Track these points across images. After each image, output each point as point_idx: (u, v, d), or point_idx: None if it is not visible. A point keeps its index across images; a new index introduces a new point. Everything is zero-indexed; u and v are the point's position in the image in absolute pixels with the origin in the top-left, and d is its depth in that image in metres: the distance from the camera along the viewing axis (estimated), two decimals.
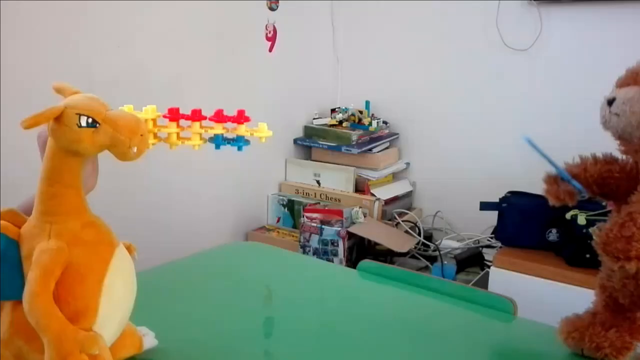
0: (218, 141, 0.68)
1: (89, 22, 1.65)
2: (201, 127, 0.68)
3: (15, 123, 1.50)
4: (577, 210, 1.62)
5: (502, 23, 2.16)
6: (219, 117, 0.68)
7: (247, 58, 2.18)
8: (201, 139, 0.68)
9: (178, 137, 0.68)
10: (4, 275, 0.59)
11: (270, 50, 2.24)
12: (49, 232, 0.59)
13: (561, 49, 2.10)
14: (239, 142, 0.68)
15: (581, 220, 1.61)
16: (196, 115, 0.68)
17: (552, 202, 0.76)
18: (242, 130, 0.67)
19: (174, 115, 0.67)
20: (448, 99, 2.39)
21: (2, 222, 0.60)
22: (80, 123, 0.56)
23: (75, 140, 0.57)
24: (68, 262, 0.58)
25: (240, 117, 0.68)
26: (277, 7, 2.22)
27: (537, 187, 2.12)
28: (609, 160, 0.75)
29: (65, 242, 0.59)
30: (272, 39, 2.23)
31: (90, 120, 0.57)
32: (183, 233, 2.03)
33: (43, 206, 0.60)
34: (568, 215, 1.67)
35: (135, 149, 0.59)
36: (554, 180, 0.76)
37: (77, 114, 0.57)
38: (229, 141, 0.68)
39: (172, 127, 0.67)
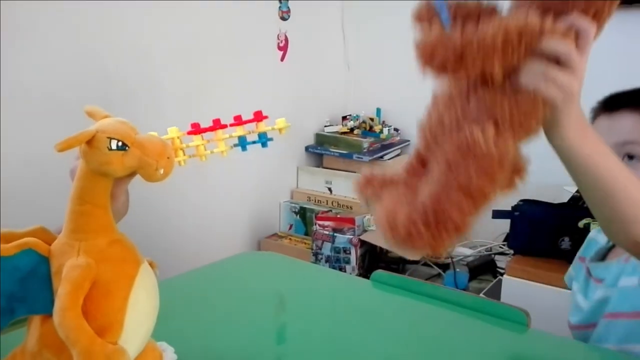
0: (243, 142, 0.71)
1: (107, 36, 1.68)
2: (224, 134, 0.71)
3: (36, 132, 1.53)
4: (589, 218, 1.63)
5: None
6: (239, 120, 0.71)
7: (259, 67, 2.21)
8: (226, 145, 0.71)
9: (205, 149, 0.71)
10: (34, 290, 0.61)
11: (282, 60, 2.27)
12: (78, 249, 0.61)
13: None
14: (262, 139, 0.71)
15: (594, 225, 1.61)
16: (217, 125, 0.71)
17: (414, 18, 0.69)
18: (263, 126, 0.71)
19: (197, 129, 0.70)
20: None
21: (33, 239, 0.63)
22: (110, 146, 0.59)
23: (106, 162, 0.59)
24: (96, 279, 0.60)
25: (259, 117, 0.72)
26: (289, 17, 2.24)
27: (549, 196, 2.13)
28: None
29: (93, 258, 0.61)
30: (283, 48, 2.26)
31: (120, 143, 0.59)
32: (197, 240, 2.06)
33: (73, 224, 0.62)
34: (581, 224, 1.67)
35: (162, 171, 0.62)
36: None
37: (107, 137, 0.59)
38: (253, 141, 0.72)
39: (198, 140, 0.70)
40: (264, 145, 0.72)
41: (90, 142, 0.59)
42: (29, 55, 1.51)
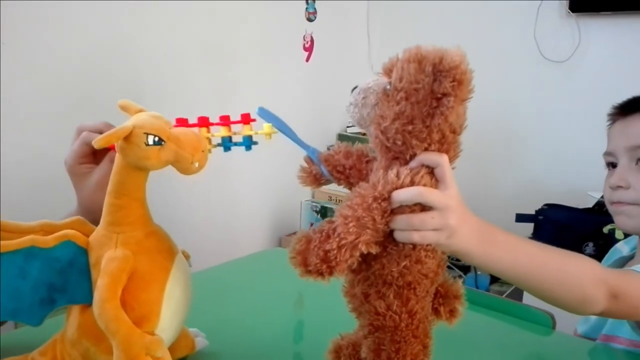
0: (225, 143, 0.70)
1: (140, 34, 1.71)
2: (208, 131, 0.70)
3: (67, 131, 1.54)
4: (614, 224, 1.61)
5: (539, 35, 2.16)
6: (225, 121, 0.70)
7: (285, 67, 2.22)
8: (210, 143, 0.70)
9: None
10: (73, 281, 0.63)
11: (307, 60, 2.29)
12: (116, 242, 0.63)
13: (599, 61, 2.09)
14: (246, 142, 0.70)
15: (619, 234, 1.59)
16: (203, 122, 0.70)
17: (299, 182, 0.70)
18: (247, 130, 0.70)
19: (182, 125, 0.69)
20: (483, 109, 2.38)
21: (72, 231, 0.64)
22: (147, 142, 0.59)
23: (143, 157, 0.60)
24: (133, 270, 0.62)
25: (245, 119, 0.70)
26: (315, 18, 2.26)
27: (573, 201, 2.11)
28: (349, 152, 0.67)
29: (130, 250, 0.62)
30: (309, 49, 2.27)
31: (156, 138, 0.60)
32: (221, 236, 2.08)
33: (110, 217, 0.63)
34: (605, 229, 1.66)
35: (197, 164, 0.62)
36: (310, 161, 0.69)
37: (144, 133, 0.59)
38: (235, 143, 0.71)
39: None
40: (247, 148, 0.70)
41: (128, 137, 0.60)
42: (63, 53, 1.55)
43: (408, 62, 0.57)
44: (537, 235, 1.85)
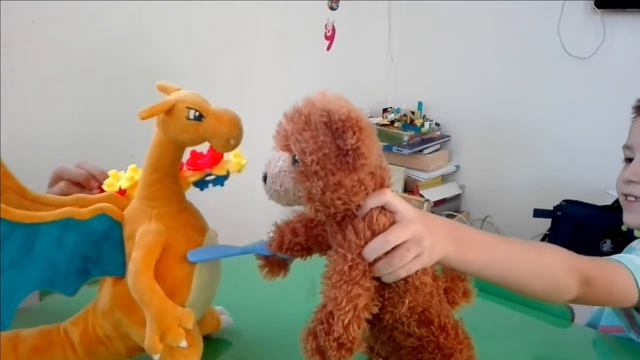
0: (200, 185, 0.72)
1: (163, 18, 1.72)
2: (181, 171, 0.71)
3: (95, 109, 1.55)
4: None
5: (563, 30, 2.14)
6: (194, 165, 0.71)
7: (305, 56, 2.22)
8: (187, 183, 0.72)
9: None
10: (107, 253, 0.64)
11: (328, 49, 2.29)
12: (151, 216, 0.63)
13: (624, 58, 2.07)
14: (218, 181, 0.72)
15: (638, 232, 1.58)
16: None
17: (265, 278, 0.68)
18: (218, 170, 0.71)
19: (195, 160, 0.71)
20: (503, 103, 2.38)
21: (107, 204, 0.65)
22: (189, 116, 0.60)
23: (183, 131, 0.61)
24: (166, 244, 0.62)
25: (213, 161, 0.71)
26: (338, 6, 2.25)
27: (591, 198, 2.09)
28: (294, 229, 0.66)
29: (164, 225, 0.63)
30: (330, 38, 2.27)
31: (197, 113, 0.61)
32: (233, 230, 2.09)
33: (146, 192, 0.64)
34: (624, 227, 1.65)
35: (232, 141, 0.63)
36: (263, 258, 0.68)
37: (186, 107, 0.60)
38: (208, 182, 0.73)
39: None
40: (221, 185, 0.72)
41: (170, 111, 0.61)
42: (85, 37, 1.56)
43: (299, 132, 0.55)
44: (554, 231, 1.84)
